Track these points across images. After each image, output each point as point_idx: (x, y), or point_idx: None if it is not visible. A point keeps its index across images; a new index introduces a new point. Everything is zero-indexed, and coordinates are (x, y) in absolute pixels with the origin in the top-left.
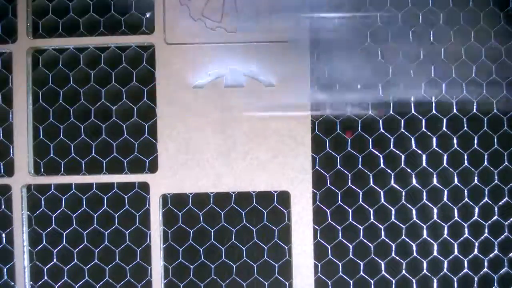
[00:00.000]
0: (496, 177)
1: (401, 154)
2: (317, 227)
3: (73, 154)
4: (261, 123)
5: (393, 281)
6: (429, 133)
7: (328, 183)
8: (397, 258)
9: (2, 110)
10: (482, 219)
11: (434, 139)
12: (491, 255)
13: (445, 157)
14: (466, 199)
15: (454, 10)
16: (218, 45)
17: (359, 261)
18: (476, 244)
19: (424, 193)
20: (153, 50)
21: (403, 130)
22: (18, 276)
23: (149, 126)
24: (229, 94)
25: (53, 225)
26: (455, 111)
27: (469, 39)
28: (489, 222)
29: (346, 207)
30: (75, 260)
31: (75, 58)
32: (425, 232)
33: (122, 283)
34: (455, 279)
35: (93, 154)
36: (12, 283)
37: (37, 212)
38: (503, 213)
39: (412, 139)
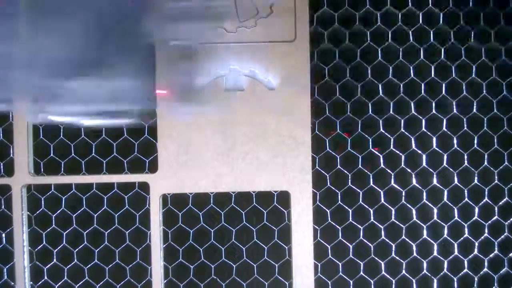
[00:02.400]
0: (496, 177)
1: (401, 154)
2: (317, 227)
3: (73, 154)
4: (261, 123)
5: (393, 281)
6: (429, 133)
7: (328, 183)
8: (397, 258)
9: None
10: (482, 219)
11: (434, 139)
12: (491, 255)
13: (445, 157)
14: (466, 199)
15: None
16: (218, 45)
17: (359, 261)
18: (476, 244)
19: (424, 193)
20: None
21: (403, 130)
22: (18, 276)
23: (149, 126)
24: (229, 94)
25: (53, 225)
26: (455, 111)
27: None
28: (489, 222)
29: (346, 207)
30: (75, 260)
31: None
32: (425, 232)
33: (122, 283)
34: (455, 279)
35: (93, 154)
36: (12, 283)
37: (37, 212)
38: (503, 213)
39: (412, 139)
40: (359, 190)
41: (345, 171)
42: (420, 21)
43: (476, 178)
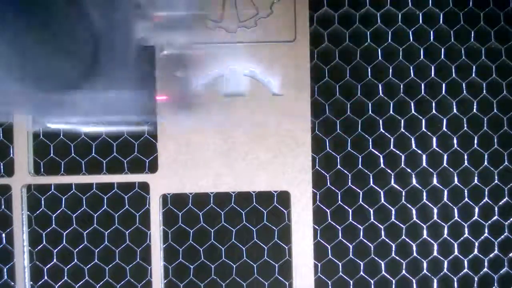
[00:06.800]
0: (496, 177)
1: (401, 154)
2: (317, 227)
3: (73, 154)
4: (261, 123)
5: (393, 281)
6: (429, 133)
7: (328, 183)
8: (397, 258)
9: None
10: (482, 219)
11: (434, 139)
12: (491, 255)
13: (445, 157)
14: (466, 199)
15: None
16: (218, 45)
17: (359, 261)
18: (476, 244)
19: (424, 193)
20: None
21: (403, 130)
22: (18, 276)
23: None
24: (229, 99)
25: (53, 225)
26: (455, 111)
27: (469, 39)
28: (489, 222)
29: (346, 207)
30: (75, 260)
31: None
32: (425, 232)
33: (122, 283)
34: (455, 279)
35: (93, 154)
36: (12, 283)
37: (37, 212)
38: (503, 213)
39: (412, 139)
40: (359, 190)
41: (345, 171)
42: (420, 21)
43: (476, 178)
